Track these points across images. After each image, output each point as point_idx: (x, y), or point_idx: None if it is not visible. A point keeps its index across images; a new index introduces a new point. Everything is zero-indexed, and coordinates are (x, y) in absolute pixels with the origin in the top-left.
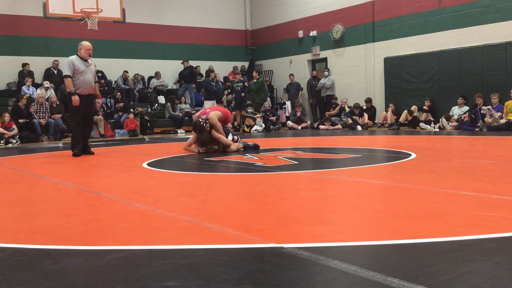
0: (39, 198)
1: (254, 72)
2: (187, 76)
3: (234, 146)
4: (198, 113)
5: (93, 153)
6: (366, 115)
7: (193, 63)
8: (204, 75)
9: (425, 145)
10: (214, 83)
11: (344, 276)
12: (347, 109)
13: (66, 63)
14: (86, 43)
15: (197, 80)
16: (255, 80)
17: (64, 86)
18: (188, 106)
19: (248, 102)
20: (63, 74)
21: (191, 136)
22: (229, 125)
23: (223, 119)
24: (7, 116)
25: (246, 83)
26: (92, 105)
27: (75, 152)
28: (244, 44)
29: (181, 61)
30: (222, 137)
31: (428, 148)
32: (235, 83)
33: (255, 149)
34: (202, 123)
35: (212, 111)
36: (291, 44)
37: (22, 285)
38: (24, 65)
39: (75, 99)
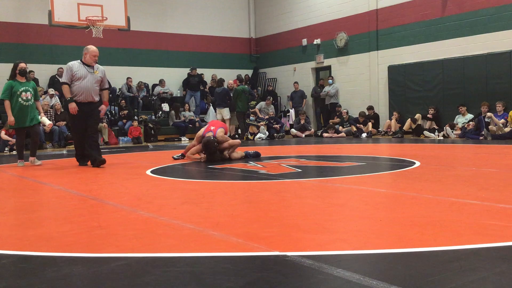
0: (43, 205)
1: (234, 79)
2: (195, 84)
3: (237, 154)
4: (202, 131)
5: (104, 161)
6: (370, 123)
7: (197, 71)
8: (217, 83)
9: (429, 153)
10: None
11: (347, 285)
12: (346, 120)
13: (64, 69)
14: (92, 48)
15: (201, 88)
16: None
17: None
18: (192, 113)
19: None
20: (61, 81)
21: (196, 146)
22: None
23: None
24: None
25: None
26: (94, 113)
27: (82, 162)
28: (248, 52)
29: (189, 68)
30: (230, 141)
31: (432, 156)
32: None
33: (256, 157)
34: (215, 143)
35: (217, 128)
36: (295, 52)
37: None
38: (29, 72)
39: (72, 106)
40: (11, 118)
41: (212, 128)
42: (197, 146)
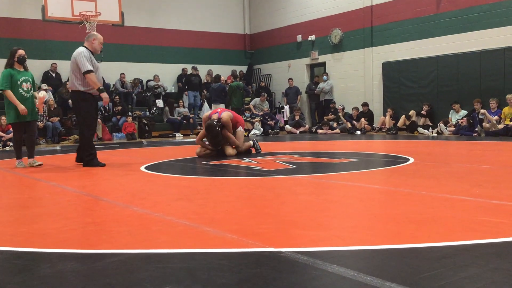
0: (37, 201)
1: (229, 75)
2: (197, 83)
3: (231, 150)
4: (209, 113)
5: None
6: (362, 119)
7: (191, 66)
8: (214, 79)
9: (423, 150)
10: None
11: (342, 281)
12: (344, 120)
13: (83, 57)
14: (100, 35)
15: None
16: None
17: (63, 88)
18: (186, 109)
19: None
20: (85, 70)
21: (202, 130)
22: (241, 128)
23: (234, 122)
24: (3, 119)
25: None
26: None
27: (101, 163)
28: (242, 48)
29: (191, 67)
30: (232, 137)
31: (426, 152)
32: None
33: (249, 153)
34: (217, 128)
35: (223, 111)
36: (289, 49)
37: None
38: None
39: (106, 96)
40: (21, 107)
41: (219, 110)
42: (202, 131)
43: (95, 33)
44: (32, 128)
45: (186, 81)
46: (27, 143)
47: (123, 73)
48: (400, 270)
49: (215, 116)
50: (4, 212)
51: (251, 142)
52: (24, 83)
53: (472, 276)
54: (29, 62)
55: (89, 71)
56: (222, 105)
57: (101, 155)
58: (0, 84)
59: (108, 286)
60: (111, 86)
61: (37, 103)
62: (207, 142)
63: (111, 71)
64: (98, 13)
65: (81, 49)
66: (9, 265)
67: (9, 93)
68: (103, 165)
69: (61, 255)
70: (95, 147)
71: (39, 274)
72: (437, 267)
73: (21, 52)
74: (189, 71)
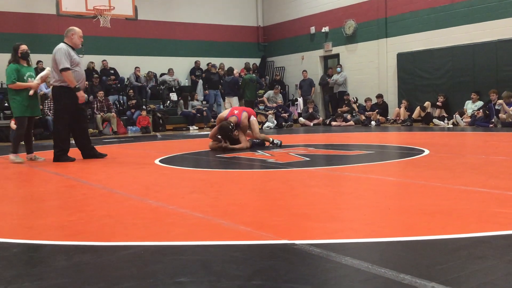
0: (53, 194)
1: (242, 68)
2: (217, 81)
3: (246, 144)
4: (226, 114)
5: (104, 156)
6: (376, 111)
7: (204, 60)
8: (226, 72)
9: (438, 142)
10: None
11: (356, 273)
12: (356, 109)
13: (61, 54)
14: (78, 29)
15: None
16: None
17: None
18: (199, 103)
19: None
20: (62, 67)
21: (214, 129)
22: (253, 117)
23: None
24: None
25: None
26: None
27: (70, 158)
28: (256, 41)
29: (207, 64)
30: (243, 139)
31: (442, 144)
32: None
33: (261, 145)
34: (231, 132)
35: (241, 112)
36: (303, 40)
37: (36, 281)
38: (37, 62)
39: (82, 95)
40: (33, 84)
41: (235, 112)
42: (215, 128)
43: (74, 27)
44: (32, 124)
45: (206, 79)
46: (27, 138)
47: (137, 67)
48: (415, 262)
49: (232, 119)
50: (20, 205)
51: (270, 138)
52: (30, 79)
53: (488, 268)
54: (44, 57)
55: (66, 69)
56: (236, 98)
57: (116, 149)
58: (8, 78)
59: (123, 278)
60: (126, 80)
61: (44, 76)
62: (219, 136)
63: (125, 65)
64: (111, 7)
65: (60, 45)
66: (26, 258)
67: (18, 84)
68: (73, 159)
69: (77, 247)
70: (69, 143)
71: (55, 266)
72: (452, 259)
73: (23, 47)
74: (203, 65)
